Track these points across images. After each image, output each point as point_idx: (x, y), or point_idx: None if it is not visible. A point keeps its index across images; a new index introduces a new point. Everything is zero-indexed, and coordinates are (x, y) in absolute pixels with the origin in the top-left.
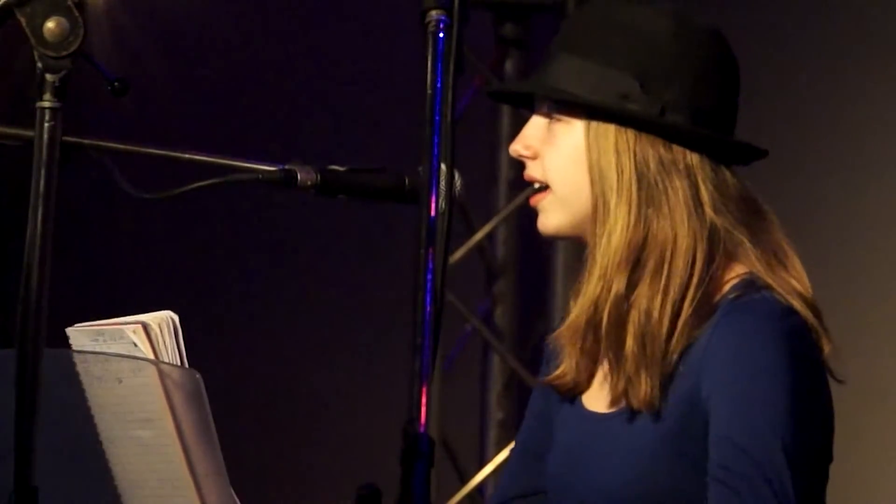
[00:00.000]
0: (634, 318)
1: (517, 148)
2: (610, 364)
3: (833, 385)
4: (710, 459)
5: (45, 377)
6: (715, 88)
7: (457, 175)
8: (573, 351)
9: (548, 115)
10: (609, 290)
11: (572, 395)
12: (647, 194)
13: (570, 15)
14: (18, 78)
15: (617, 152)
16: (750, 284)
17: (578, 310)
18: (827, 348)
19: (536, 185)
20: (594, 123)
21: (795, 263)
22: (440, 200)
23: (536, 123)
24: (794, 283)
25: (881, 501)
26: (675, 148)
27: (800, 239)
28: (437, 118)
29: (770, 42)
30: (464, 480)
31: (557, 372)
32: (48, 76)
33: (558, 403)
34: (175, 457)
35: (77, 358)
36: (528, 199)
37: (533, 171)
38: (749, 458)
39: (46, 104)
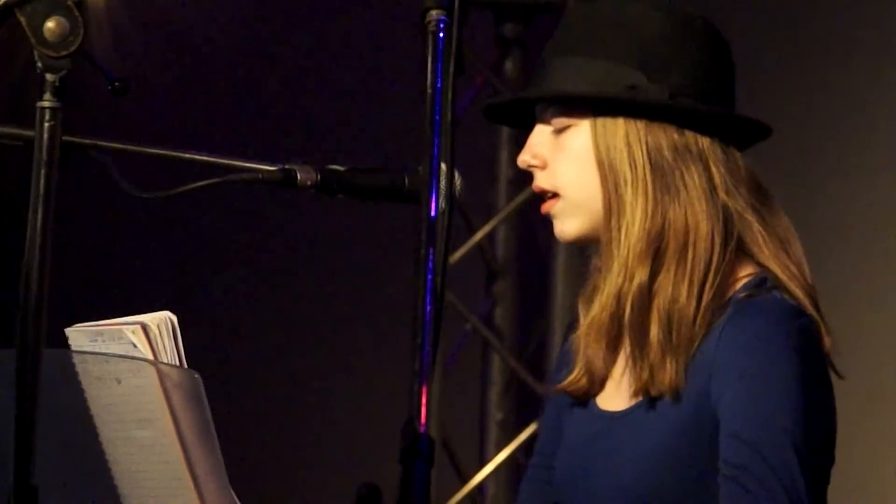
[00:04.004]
0: (659, 305)
1: (525, 158)
2: (632, 355)
3: (834, 383)
4: (721, 457)
5: (45, 377)
6: (716, 72)
7: (457, 174)
8: (596, 349)
9: (553, 123)
10: (631, 282)
11: (586, 397)
12: (663, 182)
13: (561, 20)
14: (18, 77)
15: (628, 145)
16: (760, 284)
17: (600, 306)
18: (828, 342)
19: (548, 196)
20: (601, 119)
21: (797, 249)
22: (440, 200)
23: (541, 131)
24: (795, 271)
25: (881, 501)
26: (688, 133)
27: (800, 236)
28: (437, 118)
29: (770, 36)
30: (464, 480)
31: (571, 377)
32: (48, 76)
33: (569, 407)
34: (174, 457)
35: (76, 358)
36: (527, 198)
37: (542, 181)
38: (760, 456)
39: (46, 104)
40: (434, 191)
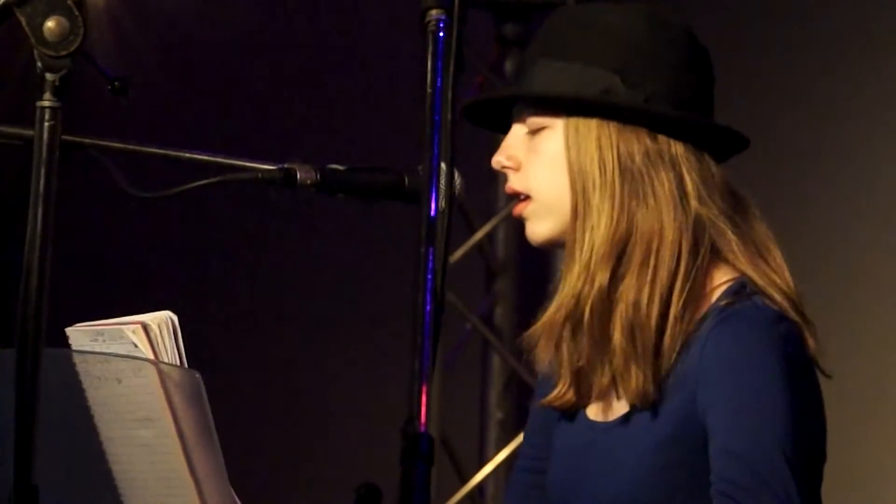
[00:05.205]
0: (621, 310)
1: (500, 160)
2: (590, 359)
3: (832, 384)
4: (713, 472)
5: (45, 377)
6: (693, 79)
7: (457, 174)
8: (544, 348)
9: (528, 124)
10: (592, 284)
11: (574, 409)
12: (632, 187)
13: (544, 22)
14: (18, 77)
15: (599, 148)
16: (740, 290)
17: (556, 306)
18: (812, 344)
19: (521, 198)
20: (574, 120)
21: (776, 256)
22: (440, 199)
23: (517, 133)
24: (775, 277)
25: (881, 501)
26: (661, 138)
27: (798, 237)
28: (437, 118)
29: (763, 39)
30: (464, 480)
31: (555, 392)
32: (48, 75)
33: (557, 420)
34: (175, 457)
35: (77, 358)
36: None
37: (514, 183)
38: (752, 470)
39: (46, 103)
40: (434, 190)
